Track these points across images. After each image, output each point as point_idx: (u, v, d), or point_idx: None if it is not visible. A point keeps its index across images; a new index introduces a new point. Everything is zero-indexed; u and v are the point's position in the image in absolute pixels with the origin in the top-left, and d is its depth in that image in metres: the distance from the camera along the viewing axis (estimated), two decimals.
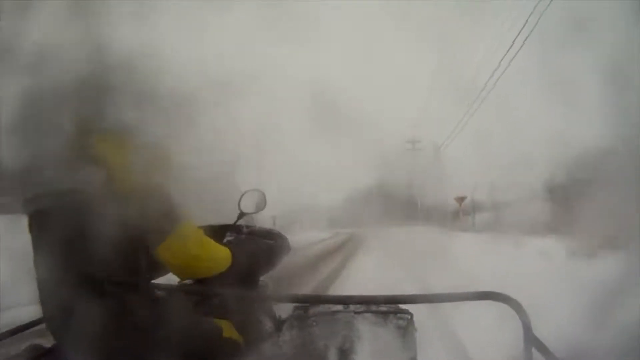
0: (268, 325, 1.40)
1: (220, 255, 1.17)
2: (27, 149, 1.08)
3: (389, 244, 13.62)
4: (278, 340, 1.06)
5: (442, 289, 1.00)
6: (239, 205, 1.58)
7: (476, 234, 13.86)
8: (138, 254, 1.07)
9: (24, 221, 1.12)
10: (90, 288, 1.00)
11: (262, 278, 1.47)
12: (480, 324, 2.38)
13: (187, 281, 1.30)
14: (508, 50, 12.93)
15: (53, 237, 1.05)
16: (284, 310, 1.27)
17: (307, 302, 1.11)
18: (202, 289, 1.19)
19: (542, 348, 0.87)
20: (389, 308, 1.07)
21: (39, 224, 1.08)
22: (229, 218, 1.56)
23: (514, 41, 12.35)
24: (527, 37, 11.55)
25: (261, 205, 1.60)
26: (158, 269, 1.20)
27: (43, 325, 1.16)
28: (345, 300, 1.08)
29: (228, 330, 1.20)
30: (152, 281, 1.20)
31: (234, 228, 1.50)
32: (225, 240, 1.39)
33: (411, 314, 1.07)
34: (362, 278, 6.72)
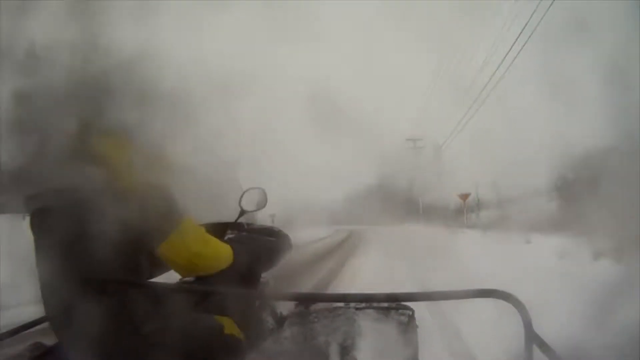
0: (269, 321, 1.40)
1: (222, 253, 1.17)
2: (28, 147, 1.08)
3: (390, 242, 13.54)
4: (279, 336, 1.06)
5: (444, 287, 1.00)
6: (240, 203, 1.58)
7: (481, 232, 13.70)
8: (139, 253, 1.07)
9: (24, 220, 1.13)
10: (91, 287, 1.01)
11: (263, 275, 1.47)
12: (482, 321, 2.38)
13: (187, 279, 1.30)
14: (509, 51, 12.94)
15: (54, 236, 1.05)
16: (285, 306, 1.27)
17: (307, 300, 1.11)
18: (203, 288, 1.20)
19: (543, 345, 0.87)
20: (390, 304, 1.07)
21: (40, 223, 1.09)
22: (230, 216, 1.56)
23: (515, 41, 12.36)
24: (529, 37, 11.57)
25: (262, 203, 1.60)
26: (158, 267, 1.20)
27: (45, 325, 1.16)
28: (345, 298, 1.08)
29: (229, 327, 1.21)
30: (153, 279, 1.21)
31: (235, 226, 1.50)
32: (226, 238, 1.39)
33: (412, 310, 1.07)
34: (363, 275, 6.72)
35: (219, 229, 1.40)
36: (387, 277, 6.22)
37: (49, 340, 1.14)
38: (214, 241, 1.17)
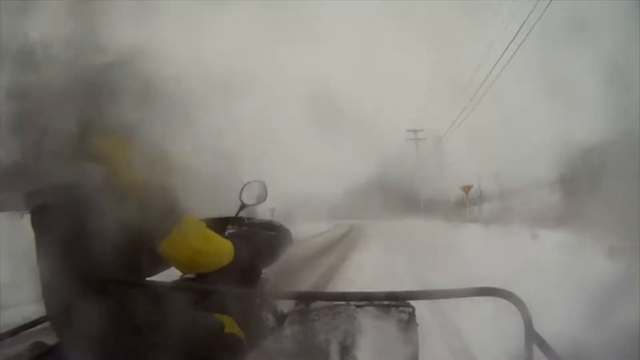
0: (269, 320, 1.40)
1: (223, 249, 1.17)
2: (28, 145, 1.08)
3: (391, 236, 13.44)
4: (280, 335, 1.06)
5: (446, 284, 1.00)
6: (240, 197, 1.57)
7: (484, 226, 13.28)
8: (139, 251, 1.07)
9: (23, 218, 1.13)
10: (91, 286, 1.01)
11: (264, 271, 1.47)
12: (482, 319, 2.37)
13: (188, 275, 1.30)
14: (506, 48, 12.96)
15: (54, 234, 1.05)
16: (286, 304, 1.27)
17: (307, 299, 1.11)
18: (203, 287, 1.20)
19: (543, 344, 0.87)
20: (391, 301, 1.07)
21: (40, 220, 1.09)
22: (230, 210, 1.56)
23: (513, 38, 12.37)
24: (527, 35, 11.58)
25: (262, 196, 1.59)
26: (159, 265, 1.20)
27: (45, 324, 1.16)
28: (345, 297, 1.08)
29: (229, 325, 1.21)
30: (153, 277, 1.21)
31: (235, 220, 1.50)
32: (227, 233, 1.39)
33: (413, 308, 1.07)
34: (364, 270, 6.71)
35: (219, 224, 1.40)
36: (387, 273, 6.20)
37: (50, 340, 1.14)
38: (216, 237, 1.17)
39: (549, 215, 10.73)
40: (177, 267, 1.17)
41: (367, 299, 1.07)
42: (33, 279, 1.11)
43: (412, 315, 1.06)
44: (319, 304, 1.09)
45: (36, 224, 1.10)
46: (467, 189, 17.77)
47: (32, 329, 1.22)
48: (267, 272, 1.50)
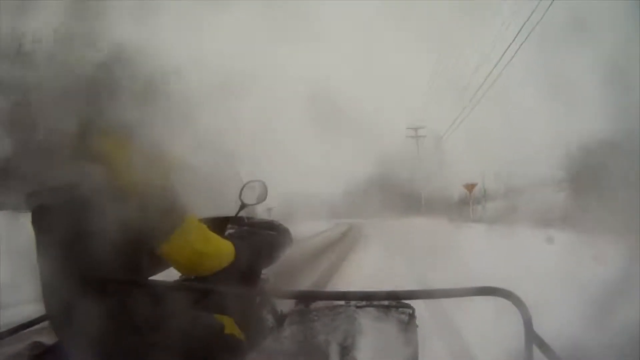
0: (269, 320, 1.40)
1: (224, 251, 1.17)
2: (28, 145, 1.08)
3: (391, 237, 13.35)
4: (279, 335, 1.06)
5: (447, 284, 1.00)
6: (240, 196, 1.57)
7: (489, 226, 12.95)
8: (139, 252, 1.07)
9: (24, 218, 1.13)
10: (91, 286, 1.01)
11: (263, 271, 1.47)
12: (482, 319, 2.37)
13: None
14: (507, 48, 12.96)
15: (54, 234, 1.05)
16: (286, 304, 1.27)
17: (306, 298, 1.11)
18: (203, 286, 1.19)
19: (543, 345, 0.87)
20: (391, 302, 1.07)
21: (40, 220, 1.09)
22: (230, 210, 1.56)
23: (514, 39, 12.37)
24: (527, 36, 11.58)
25: (262, 196, 1.59)
26: (159, 265, 1.20)
27: (44, 324, 1.16)
28: (346, 296, 1.08)
29: (229, 326, 1.20)
30: (153, 278, 1.21)
31: (235, 220, 1.50)
32: (226, 233, 1.39)
33: (413, 309, 1.07)
34: (363, 274, 6.69)
35: (219, 224, 1.40)
36: (387, 275, 6.18)
37: (49, 340, 1.14)
38: (216, 239, 1.17)
39: (553, 215, 10.68)
40: (177, 269, 1.17)
41: (367, 298, 1.07)
42: (33, 279, 1.11)
43: (412, 316, 1.06)
44: (318, 304, 1.09)
45: (36, 224, 1.10)
46: (470, 187, 17.18)
47: (32, 329, 1.22)
48: (266, 272, 1.50)
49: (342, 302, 1.09)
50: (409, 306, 1.07)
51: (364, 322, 1.03)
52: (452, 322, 3.56)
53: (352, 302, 1.08)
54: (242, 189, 1.59)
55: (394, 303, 1.07)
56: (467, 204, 18.15)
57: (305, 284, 5.50)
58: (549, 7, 9.93)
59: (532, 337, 0.88)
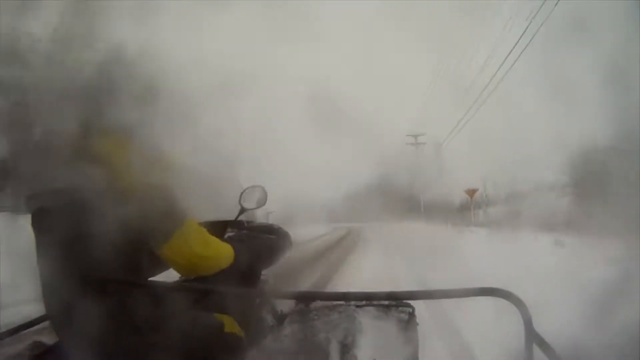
0: (269, 319, 1.40)
1: (223, 253, 1.17)
2: (28, 146, 1.09)
3: (391, 242, 13.30)
4: (279, 334, 1.06)
5: (448, 286, 1.00)
6: (239, 201, 1.58)
7: (492, 231, 12.76)
8: (139, 253, 1.07)
9: (24, 220, 1.13)
10: (91, 286, 1.01)
11: (263, 273, 1.47)
12: (482, 319, 2.37)
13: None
14: (511, 50, 12.95)
15: (54, 235, 1.05)
16: (286, 304, 1.27)
17: (306, 299, 1.11)
18: (203, 286, 1.20)
19: (543, 344, 0.87)
20: (391, 301, 1.07)
21: (40, 222, 1.09)
22: (230, 213, 1.56)
23: (518, 41, 12.37)
24: (531, 39, 11.58)
25: (262, 200, 1.60)
26: (159, 266, 1.20)
27: (44, 324, 1.16)
28: (346, 297, 1.08)
29: (229, 325, 1.21)
30: (153, 278, 1.21)
31: (235, 224, 1.50)
32: (226, 236, 1.39)
33: (413, 308, 1.07)
34: (362, 278, 6.67)
35: (219, 227, 1.40)
36: (386, 280, 6.16)
37: (49, 339, 1.14)
38: (216, 242, 1.17)
39: (555, 218, 10.64)
40: (177, 270, 1.18)
41: (367, 298, 1.07)
42: (33, 279, 1.11)
43: (412, 315, 1.06)
44: (318, 303, 1.09)
45: (36, 226, 1.10)
46: (472, 192, 17.00)
47: (32, 329, 1.22)
48: (266, 273, 1.50)
49: (342, 302, 1.09)
50: (409, 305, 1.07)
51: (364, 321, 1.03)
52: (453, 322, 3.56)
53: (352, 302, 1.08)
54: (241, 194, 1.60)
55: (393, 302, 1.07)
56: (467, 209, 18.07)
57: (305, 284, 5.50)
58: (553, 9, 9.94)
59: (532, 337, 0.89)
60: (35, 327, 1.22)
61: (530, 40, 11.68)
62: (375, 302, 1.06)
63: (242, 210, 1.58)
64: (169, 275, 1.25)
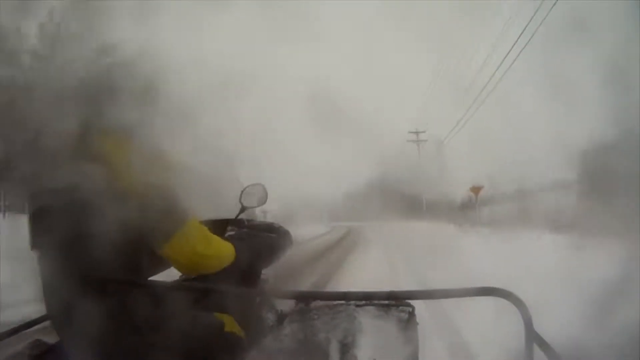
0: (269, 319, 1.40)
1: (224, 252, 1.17)
2: (28, 146, 1.09)
3: (392, 241, 13.21)
4: (279, 334, 1.06)
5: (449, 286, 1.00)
6: (240, 199, 1.58)
7: (499, 231, 12.16)
8: (140, 252, 1.07)
9: (24, 220, 1.13)
10: (91, 286, 1.01)
11: (263, 272, 1.47)
12: (482, 319, 2.37)
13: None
14: (510, 50, 12.95)
15: (54, 235, 1.05)
16: (286, 303, 1.27)
17: (306, 298, 1.11)
18: (203, 286, 1.20)
19: (543, 344, 0.87)
20: (391, 301, 1.07)
21: (41, 221, 1.09)
22: (230, 211, 1.56)
23: (517, 40, 12.37)
24: (530, 37, 11.58)
25: (262, 199, 1.60)
26: (159, 265, 1.20)
27: (45, 323, 1.16)
28: (346, 296, 1.08)
29: (230, 324, 1.21)
30: (153, 277, 1.21)
31: (235, 222, 1.50)
32: (227, 235, 1.39)
33: (413, 307, 1.07)
34: (361, 283, 6.65)
35: (219, 226, 1.40)
36: (388, 279, 6.14)
37: (50, 339, 1.14)
38: (217, 240, 1.17)
39: (558, 216, 10.56)
40: (178, 269, 1.18)
41: (367, 298, 1.07)
42: (33, 279, 1.11)
43: (412, 314, 1.06)
44: (318, 303, 1.09)
45: (37, 226, 1.10)
46: (476, 189, 16.35)
47: (32, 328, 1.22)
48: (266, 272, 1.50)
49: (342, 301, 1.09)
50: (408, 305, 1.07)
51: (364, 321, 1.03)
52: (453, 322, 3.56)
53: (353, 301, 1.08)
54: (242, 192, 1.59)
55: (393, 302, 1.07)
56: (470, 207, 17.66)
57: (305, 283, 5.49)
58: (552, 8, 9.94)
59: (532, 337, 0.89)
60: (36, 327, 1.22)
61: (529, 40, 11.69)
62: (375, 302, 1.07)
63: (243, 209, 1.57)
64: (169, 275, 1.25)
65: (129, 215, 0.97)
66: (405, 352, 0.99)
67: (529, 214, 13.19)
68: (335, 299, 1.10)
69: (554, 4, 9.89)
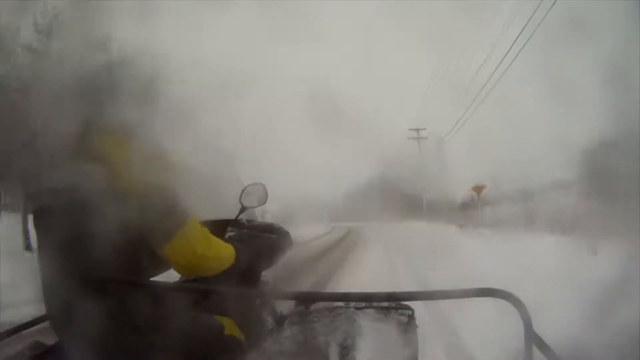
0: (269, 321, 1.40)
1: (224, 254, 1.17)
2: (29, 145, 1.08)
3: (392, 241, 13.16)
4: (279, 336, 1.06)
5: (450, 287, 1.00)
6: (240, 199, 1.57)
7: (504, 233, 11.74)
8: (140, 253, 1.07)
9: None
10: (91, 286, 1.01)
11: (263, 274, 1.47)
12: (482, 320, 2.37)
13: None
14: (509, 49, 12.94)
15: (54, 235, 1.05)
16: (285, 306, 1.27)
17: (307, 300, 1.11)
18: (203, 287, 1.19)
19: (543, 345, 0.87)
20: (390, 303, 1.07)
21: (41, 221, 1.09)
22: (230, 212, 1.55)
23: (516, 39, 12.35)
24: (530, 37, 11.57)
25: (263, 199, 1.59)
26: (159, 266, 1.20)
27: (44, 324, 1.16)
28: (346, 297, 1.08)
29: (229, 327, 1.20)
30: (152, 279, 1.21)
31: (235, 223, 1.49)
32: (227, 236, 1.39)
33: (412, 310, 1.07)
34: (365, 277, 6.63)
35: (219, 226, 1.39)
36: (387, 281, 6.12)
37: (49, 340, 1.14)
38: (217, 242, 1.17)
39: (559, 217, 10.51)
40: (178, 270, 1.17)
41: (367, 299, 1.07)
42: (33, 279, 1.11)
43: (411, 317, 1.06)
44: (318, 305, 1.09)
45: (37, 225, 1.10)
46: (479, 189, 15.77)
47: (32, 329, 1.22)
48: (266, 274, 1.50)
49: (341, 304, 1.09)
50: (408, 307, 1.07)
51: (363, 323, 1.03)
52: (453, 323, 3.56)
53: (352, 304, 1.08)
54: (242, 192, 1.59)
55: (393, 304, 1.07)
56: (472, 207, 17.16)
57: (305, 285, 5.48)
58: (551, 7, 9.93)
59: (531, 338, 0.88)
60: (35, 327, 1.21)
61: (529, 39, 11.68)
62: (375, 304, 1.06)
63: (243, 209, 1.57)
64: (170, 276, 1.25)
65: (129, 215, 0.97)
66: (405, 355, 0.99)
67: (530, 214, 13.12)
68: (335, 300, 1.10)
69: (553, 3, 9.88)
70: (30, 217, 1.11)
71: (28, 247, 6.57)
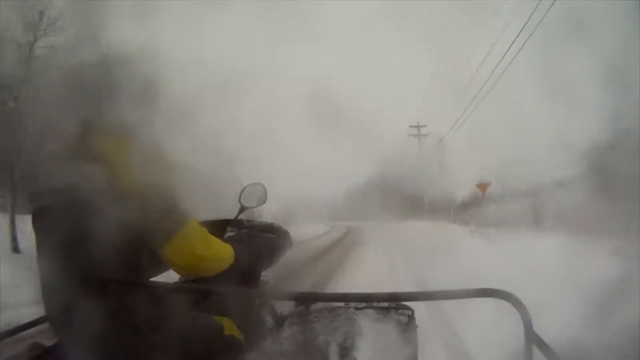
0: (269, 321, 1.40)
1: (224, 254, 1.17)
2: (29, 145, 1.08)
3: (392, 241, 13.12)
4: (279, 336, 1.06)
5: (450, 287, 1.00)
6: (239, 199, 1.57)
7: (511, 233, 11.34)
8: (139, 253, 1.07)
9: (24, 220, 1.13)
10: (91, 286, 1.01)
11: (263, 274, 1.46)
12: (482, 321, 2.37)
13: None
14: (509, 48, 12.93)
15: (54, 235, 1.05)
16: (285, 306, 1.27)
17: (307, 300, 1.11)
18: (203, 287, 1.19)
19: (543, 345, 0.87)
20: (390, 304, 1.07)
21: (40, 221, 1.09)
22: (230, 212, 1.55)
23: (515, 39, 12.35)
24: (529, 36, 11.57)
25: (262, 199, 1.59)
26: (159, 267, 1.20)
27: (43, 325, 1.16)
28: (345, 298, 1.08)
29: (229, 327, 1.20)
30: (152, 279, 1.21)
31: (235, 223, 1.49)
32: (226, 236, 1.38)
33: (412, 310, 1.07)
34: (366, 277, 6.63)
35: (219, 226, 1.39)
36: (387, 282, 6.11)
37: (48, 341, 1.14)
38: (217, 242, 1.17)
39: (560, 216, 10.49)
40: (177, 271, 1.17)
41: (367, 299, 1.07)
42: (33, 279, 1.10)
43: (411, 317, 1.06)
44: (318, 306, 1.09)
45: (37, 226, 1.10)
46: (484, 186, 15.12)
47: (31, 330, 1.22)
48: (266, 274, 1.49)
49: (341, 304, 1.09)
50: (408, 307, 1.07)
51: (363, 324, 1.03)
52: (453, 324, 3.56)
53: (352, 304, 1.08)
54: (241, 192, 1.59)
55: (393, 305, 1.07)
56: (475, 205, 16.56)
57: (305, 285, 5.49)
58: (550, 7, 9.92)
59: (531, 338, 0.88)
60: (35, 328, 1.21)
61: (528, 39, 11.68)
62: (374, 305, 1.06)
63: (242, 209, 1.57)
64: (170, 276, 1.24)
65: (129, 215, 0.97)
66: (405, 355, 0.99)
67: (534, 212, 13.06)
68: (334, 300, 1.10)
69: (552, 3, 9.88)
70: (25, 218, 1.11)
71: (15, 248, 6.23)
